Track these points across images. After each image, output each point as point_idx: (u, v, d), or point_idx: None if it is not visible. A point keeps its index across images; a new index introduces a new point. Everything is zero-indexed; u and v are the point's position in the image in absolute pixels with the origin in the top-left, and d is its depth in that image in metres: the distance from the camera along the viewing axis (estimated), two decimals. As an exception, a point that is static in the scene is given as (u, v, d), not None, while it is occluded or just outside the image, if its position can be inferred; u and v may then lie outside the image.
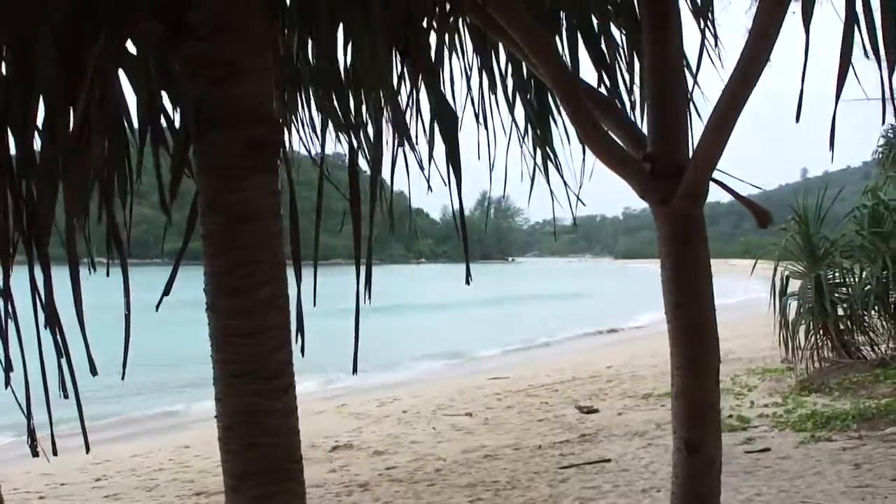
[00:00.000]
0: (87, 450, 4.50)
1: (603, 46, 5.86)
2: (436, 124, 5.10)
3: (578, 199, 5.96)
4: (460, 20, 5.86)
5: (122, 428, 20.40)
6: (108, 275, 4.46)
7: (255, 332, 3.75)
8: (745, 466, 10.75)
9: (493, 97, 6.09)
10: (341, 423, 17.11)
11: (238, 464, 3.84)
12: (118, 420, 21.35)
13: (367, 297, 4.14)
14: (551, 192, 6.14)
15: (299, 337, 4.22)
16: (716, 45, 5.66)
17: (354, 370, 4.13)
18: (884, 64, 4.05)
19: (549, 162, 6.17)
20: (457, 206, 4.40)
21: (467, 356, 33.58)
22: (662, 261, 4.83)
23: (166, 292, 4.21)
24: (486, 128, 5.99)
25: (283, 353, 3.84)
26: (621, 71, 5.97)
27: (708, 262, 4.80)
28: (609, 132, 5.02)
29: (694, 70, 5.57)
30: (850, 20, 4.10)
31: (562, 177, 6.07)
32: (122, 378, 4.08)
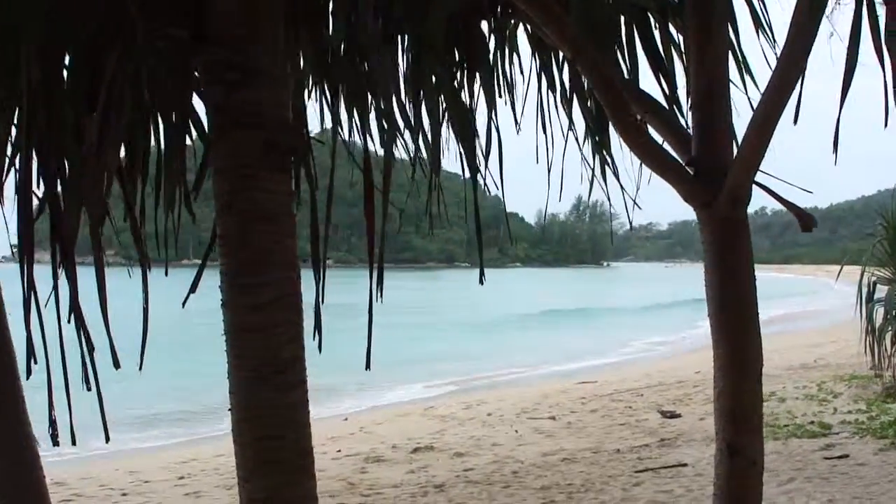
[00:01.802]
0: (107, 439, 4.55)
1: (661, 49, 5.86)
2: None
3: (635, 203, 6.01)
4: (520, 26, 5.97)
5: (211, 429, 20.85)
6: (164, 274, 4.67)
7: (266, 328, 3.88)
8: (822, 472, 10.69)
9: (552, 102, 6.18)
10: (426, 426, 17.29)
11: (249, 456, 3.98)
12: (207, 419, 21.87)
13: (378, 296, 4.24)
14: (608, 197, 6.21)
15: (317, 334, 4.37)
16: (773, 42, 5.63)
17: (367, 366, 4.24)
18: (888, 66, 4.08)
19: (606, 167, 6.22)
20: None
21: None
22: (706, 264, 4.86)
23: (192, 290, 4.40)
24: (545, 131, 6.08)
25: (294, 349, 3.95)
26: (686, 69, 5.94)
27: (751, 265, 4.81)
28: (656, 135, 5.07)
29: (749, 72, 5.57)
30: (857, 24, 4.12)
31: (619, 182, 6.13)
32: (140, 369, 4.25)
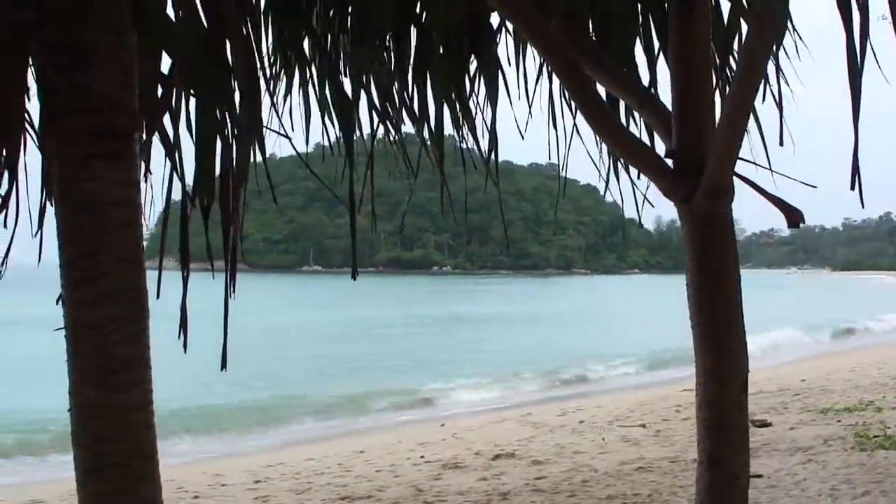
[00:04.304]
0: None
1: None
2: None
3: (646, 198, 5.73)
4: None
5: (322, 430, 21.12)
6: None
7: (98, 325, 3.71)
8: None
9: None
10: (517, 432, 17.11)
11: (86, 459, 3.81)
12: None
13: (232, 292, 4.08)
14: (622, 198, 5.95)
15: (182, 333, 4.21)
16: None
17: (223, 366, 4.10)
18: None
19: (619, 164, 5.94)
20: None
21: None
22: (687, 263, 4.54)
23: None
24: (556, 128, 5.85)
25: (131, 348, 3.78)
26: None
27: (736, 264, 4.49)
28: (627, 124, 4.81)
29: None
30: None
31: (630, 178, 5.85)
32: None
